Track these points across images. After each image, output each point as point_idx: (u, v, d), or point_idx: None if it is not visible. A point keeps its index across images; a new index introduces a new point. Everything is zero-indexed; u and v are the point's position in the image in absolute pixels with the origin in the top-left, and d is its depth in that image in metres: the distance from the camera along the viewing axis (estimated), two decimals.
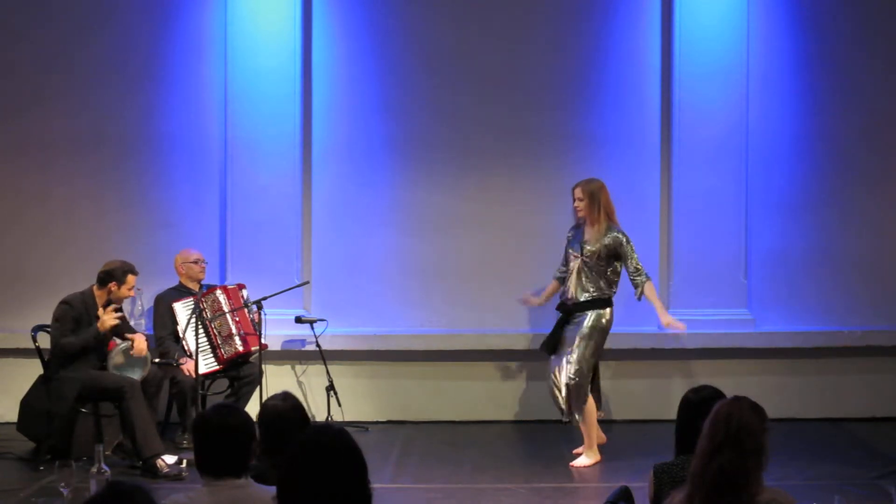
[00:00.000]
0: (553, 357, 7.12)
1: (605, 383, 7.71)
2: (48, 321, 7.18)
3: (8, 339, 8.18)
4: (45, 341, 7.27)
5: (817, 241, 8.42)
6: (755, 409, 3.27)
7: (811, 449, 7.41)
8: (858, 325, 8.35)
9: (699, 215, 8.27)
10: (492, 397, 8.40)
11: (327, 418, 7.85)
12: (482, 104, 8.41)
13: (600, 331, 7.01)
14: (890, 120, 8.46)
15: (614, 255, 7.01)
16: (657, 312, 7.17)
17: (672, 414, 4.22)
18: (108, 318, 6.92)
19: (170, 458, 6.75)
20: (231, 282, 8.06)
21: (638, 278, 7.01)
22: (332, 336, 8.17)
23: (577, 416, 6.99)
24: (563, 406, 7.01)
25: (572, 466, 6.96)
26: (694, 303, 8.26)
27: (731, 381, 7.69)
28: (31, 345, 7.33)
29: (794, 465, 6.82)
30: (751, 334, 8.26)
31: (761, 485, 3.20)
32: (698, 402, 3.96)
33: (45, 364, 7.20)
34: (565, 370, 6.97)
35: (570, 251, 7.13)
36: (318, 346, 7.99)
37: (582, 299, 7.03)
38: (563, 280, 7.25)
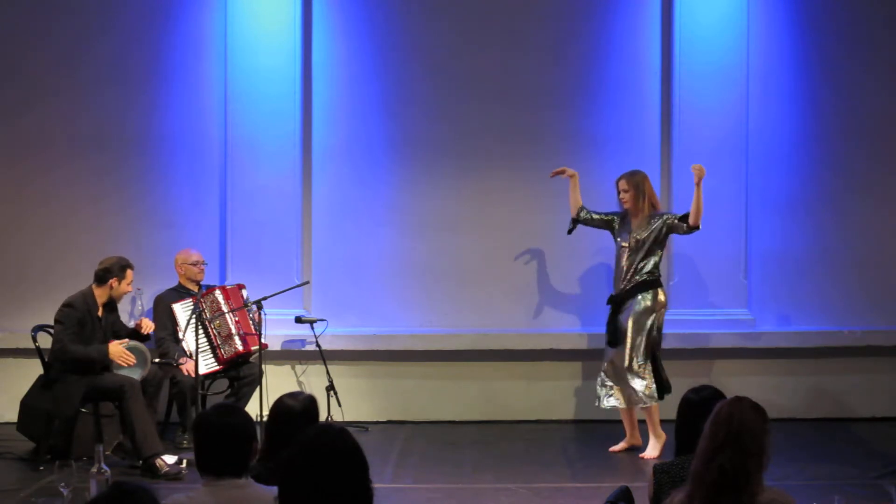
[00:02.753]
0: (610, 348, 7.29)
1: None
2: (49, 321, 7.18)
3: (8, 339, 8.18)
4: (45, 341, 7.26)
5: (817, 241, 8.42)
6: (756, 410, 3.27)
7: (811, 449, 7.41)
8: (858, 325, 8.34)
9: None
10: (492, 397, 8.39)
11: (327, 418, 7.84)
12: (482, 104, 8.41)
13: (658, 310, 7.20)
14: (890, 120, 8.46)
15: (665, 233, 7.20)
16: (697, 193, 7.16)
17: (672, 414, 4.22)
18: (119, 352, 6.97)
19: (170, 458, 6.75)
20: (231, 282, 8.06)
21: (681, 216, 7.21)
22: (332, 336, 8.17)
23: (644, 402, 7.11)
24: (621, 394, 7.22)
25: (643, 458, 7.07)
26: (694, 303, 8.27)
27: (731, 381, 7.72)
28: (31, 345, 7.33)
29: (794, 465, 6.82)
30: (750, 334, 8.26)
31: (761, 485, 3.20)
32: (698, 403, 3.96)
33: (45, 364, 7.20)
34: (627, 356, 7.13)
35: (619, 241, 7.29)
36: (318, 346, 7.98)
37: (637, 280, 7.18)
38: (580, 217, 7.50)
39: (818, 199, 8.42)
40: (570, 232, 7.65)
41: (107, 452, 6.79)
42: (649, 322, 7.16)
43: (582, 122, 8.45)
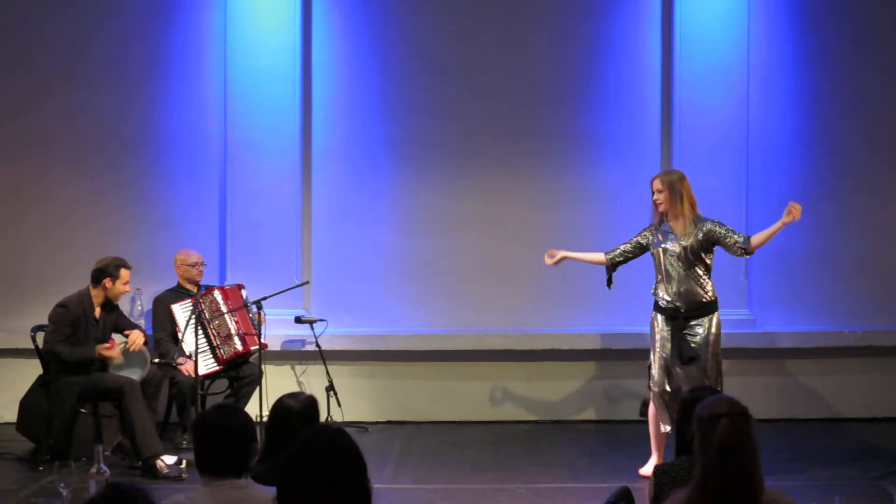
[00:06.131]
0: (673, 367, 6.56)
1: (604, 384, 7.71)
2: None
3: (8, 339, 8.18)
4: None
5: (818, 240, 8.42)
6: (742, 416, 3.22)
7: (811, 449, 7.41)
8: (859, 325, 8.34)
9: None
10: (492, 397, 8.39)
11: (327, 418, 7.84)
12: (482, 104, 8.41)
13: (720, 334, 6.63)
14: (890, 120, 8.46)
15: (711, 242, 6.60)
16: (776, 228, 6.59)
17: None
18: (107, 352, 6.98)
19: (169, 459, 6.75)
20: (230, 282, 8.06)
21: (741, 239, 6.57)
22: (332, 336, 8.17)
23: None
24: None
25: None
26: None
27: (732, 381, 7.68)
28: (31, 345, 7.33)
29: (794, 466, 6.82)
30: (751, 334, 8.25)
31: (762, 484, 3.19)
32: (696, 402, 3.95)
33: (44, 365, 7.19)
34: (702, 378, 6.46)
35: (660, 252, 6.60)
36: (317, 346, 7.98)
37: (704, 300, 6.55)
38: (613, 263, 6.82)
39: (818, 199, 8.41)
40: (609, 285, 6.91)
41: (106, 453, 6.78)
42: (720, 342, 6.63)
43: (582, 121, 8.44)
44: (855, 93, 8.42)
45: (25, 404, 7.30)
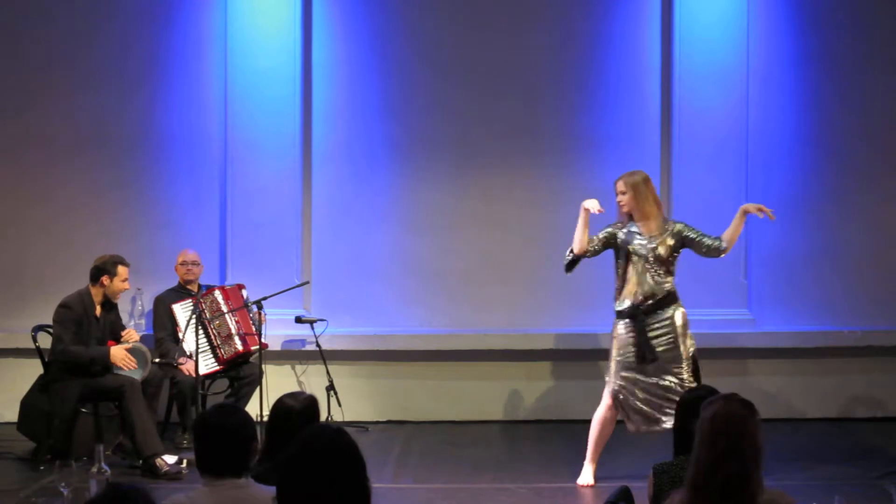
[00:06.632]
0: (638, 373, 6.50)
1: (604, 384, 7.67)
2: (48, 321, 7.17)
3: (8, 339, 8.18)
4: (45, 341, 7.26)
5: (817, 240, 8.42)
6: (748, 409, 3.23)
7: (811, 449, 7.41)
8: (859, 324, 8.35)
9: (699, 215, 8.21)
10: (492, 397, 8.40)
11: (327, 418, 7.85)
12: (482, 104, 8.42)
13: (688, 324, 6.60)
14: (890, 120, 8.47)
15: (682, 245, 6.58)
16: (738, 224, 6.54)
17: None
18: (122, 356, 6.98)
19: (170, 458, 6.75)
20: (231, 282, 8.07)
21: (716, 242, 6.53)
22: (332, 336, 8.17)
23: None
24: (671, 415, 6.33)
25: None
26: (694, 303, 8.22)
27: (732, 381, 7.70)
28: (31, 345, 7.33)
29: (794, 465, 6.82)
30: (751, 334, 8.26)
31: (761, 484, 3.19)
32: (694, 402, 3.95)
33: (45, 364, 7.20)
34: (676, 379, 6.42)
35: (630, 252, 6.51)
36: (318, 346, 7.99)
37: (660, 295, 6.50)
38: (585, 252, 6.65)
39: (818, 199, 8.43)
40: (569, 270, 6.82)
41: (107, 452, 6.79)
42: (689, 334, 6.63)
43: (582, 121, 8.45)
44: (855, 92, 8.43)
45: (26, 404, 7.31)
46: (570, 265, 6.80)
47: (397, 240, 8.46)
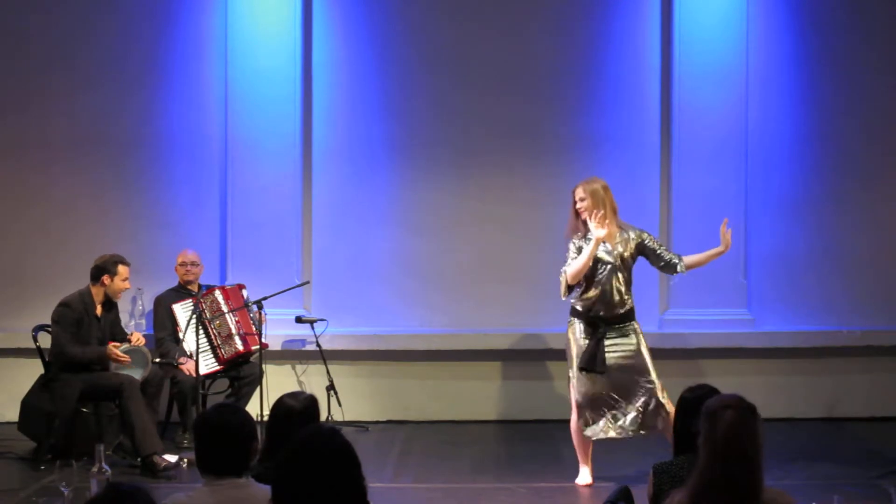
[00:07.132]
0: (602, 379, 6.47)
1: None
2: (48, 321, 7.18)
3: (8, 339, 8.18)
4: (45, 341, 7.27)
5: (817, 240, 8.43)
6: (749, 411, 3.23)
7: (811, 449, 7.42)
8: (858, 324, 8.35)
9: (699, 215, 8.27)
10: (492, 397, 8.40)
11: (328, 418, 7.85)
12: (482, 104, 8.42)
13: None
14: (890, 119, 8.47)
15: (640, 253, 6.60)
16: (710, 254, 6.62)
17: None
18: (117, 354, 6.98)
19: (170, 458, 6.75)
20: (231, 282, 8.07)
21: (675, 259, 6.59)
22: (333, 336, 8.17)
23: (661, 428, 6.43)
24: (651, 422, 6.47)
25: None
26: (694, 303, 8.27)
27: (731, 381, 7.67)
28: (31, 345, 7.34)
29: (794, 465, 6.83)
30: (751, 334, 8.26)
31: (762, 485, 3.20)
32: (695, 402, 3.95)
33: (45, 364, 7.21)
34: (647, 387, 6.44)
35: (598, 259, 6.48)
36: (318, 345, 7.99)
37: (627, 307, 6.54)
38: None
39: (818, 199, 8.43)
40: (569, 293, 6.66)
41: (107, 452, 6.79)
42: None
43: (582, 121, 8.45)
44: (855, 93, 8.43)
45: (27, 404, 7.31)
46: (570, 289, 6.67)
47: (397, 240, 8.46)
